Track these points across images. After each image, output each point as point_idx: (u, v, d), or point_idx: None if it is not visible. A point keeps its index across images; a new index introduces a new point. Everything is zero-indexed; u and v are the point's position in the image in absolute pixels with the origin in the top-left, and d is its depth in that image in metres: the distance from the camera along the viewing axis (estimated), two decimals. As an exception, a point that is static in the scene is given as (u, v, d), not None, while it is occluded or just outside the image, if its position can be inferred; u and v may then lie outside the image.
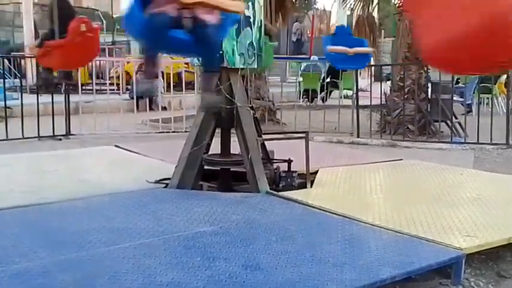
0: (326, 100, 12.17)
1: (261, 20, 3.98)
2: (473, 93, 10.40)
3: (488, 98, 10.37)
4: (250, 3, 3.86)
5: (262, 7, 4.01)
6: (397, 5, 9.64)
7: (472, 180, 4.53)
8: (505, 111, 8.15)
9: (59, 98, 7.79)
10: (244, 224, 3.10)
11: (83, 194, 3.74)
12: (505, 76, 9.03)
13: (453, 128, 7.93)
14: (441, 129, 8.16)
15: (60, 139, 7.38)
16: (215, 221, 3.13)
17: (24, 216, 3.26)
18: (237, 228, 3.01)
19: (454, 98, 8.57)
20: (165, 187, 4.00)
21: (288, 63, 16.76)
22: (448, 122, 8.04)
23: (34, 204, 3.47)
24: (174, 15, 3.29)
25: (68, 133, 7.63)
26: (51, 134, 7.34)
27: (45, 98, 7.84)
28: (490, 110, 8.01)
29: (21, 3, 14.92)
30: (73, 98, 8.10)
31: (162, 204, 3.52)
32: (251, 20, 3.88)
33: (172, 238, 2.82)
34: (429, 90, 8.45)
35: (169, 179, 4.01)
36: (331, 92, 12.84)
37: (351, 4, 10.69)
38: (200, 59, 3.93)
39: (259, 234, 2.93)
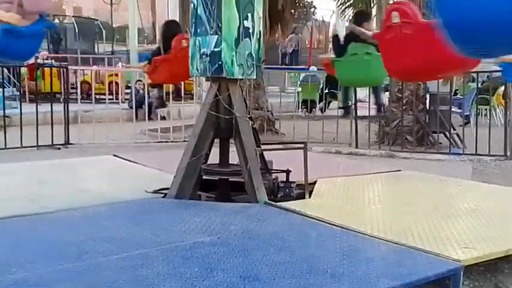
0: (325, 111, 12.20)
1: (260, 31, 4.00)
2: (472, 104, 10.44)
3: (486, 110, 10.40)
4: (249, 14, 3.88)
5: (261, 18, 4.03)
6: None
7: (470, 192, 4.54)
8: (503, 122, 8.18)
9: (58, 107, 7.80)
10: (243, 234, 3.09)
11: (81, 203, 3.74)
12: (503, 87, 9.06)
13: (451, 140, 7.96)
14: (439, 140, 8.18)
15: (59, 148, 7.40)
16: (213, 232, 3.12)
17: (21, 226, 3.25)
18: (235, 239, 3.00)
19: (453, 109, 8.61)
20: (163, 197, 3.99)
21: (287, 74, 16.82)
22: (447, 133, 8.07)
23: (32, 214, 3.46)
24: None
25: (67, 142, 7.65)
26: (50, 143, 7.35)
27: (44, 107, 7.85)
28: (488, 121, 8.04)
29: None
30: (72, 107, 8.12)
31: (160, 214, 3.52)
32: (250, 31, 3.89)
33: (170, 248, 2.81)
34: (427, 101, 8.48)
35: (167, 189, 4.01)
36: (329, 102, 12.88)
37: (349, 15, 10.75)
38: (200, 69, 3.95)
39: (257, 244, 2.92)
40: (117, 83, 11.93)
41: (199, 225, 3.21)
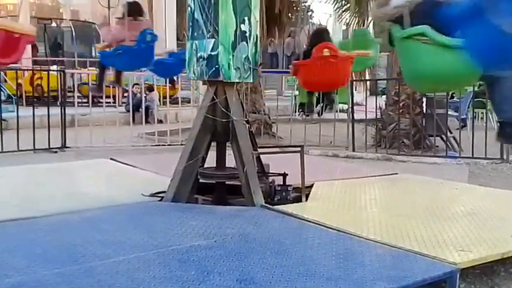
0: (322, 114, 12.21)
1: (257, 35, 4.01)
2: (468, 107, 10.46)
3: (482, 113, 10.42)
4: (246, 18, 3.89)
5: (258, 22, 4.04)
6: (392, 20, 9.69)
7: (467, 195, 4.55)
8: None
9: (55, 111, 7.79)
10: (239, 237, 3.10)
11: (78, 206, 3.74)
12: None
13: (448, 143, 7.97)
14: (436, 143, 8.19)
15: (56, 152, 7.38)
16: (210, 235, 3.12)
17: (18, 229, 3.25)
18: (231, 242, 3.01)
19: (449, 113, 8.62)
20: (160, 200, 4.00)
21: (283, 77, 16.83)
22: (443, 136, 8.08)
23: (29, 218, 3.46)
24: None
25: (64, 146, 7.63)
26: (47, 147, 7.34)
27: (41, 111, 7.84)
28: (484, 124, 8.05)
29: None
30: (69, 110, 8.11)
31: (157, 218, 3.52)
32: (247, 34, 3.91)
33: (166, 252, 2.82)
34: (424, 104, 8.50)
35: (164, 192, 4.01)
36: (327, 106, 12.89)
37: (346, 19, 10.77)
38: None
39: (254, 248, 2.93)
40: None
41: (196, 229, 3.22)
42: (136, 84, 11.49)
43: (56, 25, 19.24)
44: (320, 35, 5.89)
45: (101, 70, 6.15)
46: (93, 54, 18.82)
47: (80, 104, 8.97)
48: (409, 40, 3.22)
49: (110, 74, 6.36)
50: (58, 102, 8.27)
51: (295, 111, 12.74)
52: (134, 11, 5.52)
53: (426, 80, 3.38)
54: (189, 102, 10.77)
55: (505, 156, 7.13)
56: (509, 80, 3.04)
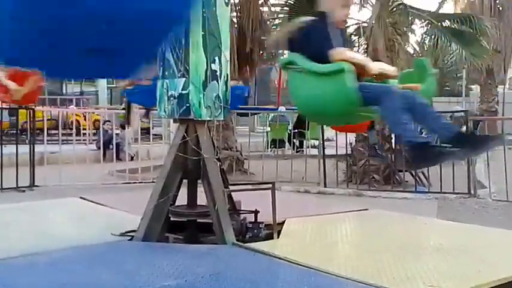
0: (296, 150, 12.33)
1: (227, 74, 4.07)
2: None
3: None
4: (216, 58, 3.95)
5: (229, 61, 4.10)
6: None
7: (436, 230, 4.62)
8: (466, 160, 8.38)
9: (24, 149, 7.69)
10: (210, 277, 3.07)
11: (45, 247, 3.66)
12: (465, 127, 9.32)
13: (417, 178, 8.11)
14: (405, 178, 8.33)
15: (24, 191, 7.26)
16: (180, 274, 3.09)
17: (-17, 272, 3.17)
18: (202, 282, 2.98)
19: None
20: (130, 239, 3.94)
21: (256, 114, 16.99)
22: (412, 171, 8.22)
23: (-6, 259, 3.37)
24: None
25: (32, 184, 7.52)
26: (15, 186, 7.21)
27: (9, 149, 7.73)
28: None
29: None
30: (38, 148, 8.01)
31: (127, 257, 3.47)
32: (217, 73, 3.96)
33: (136, 293, 2.77)
34: (393, 140, 8.67)
35: (134, 231, 3.96)
36: (301, 142, 13.03)
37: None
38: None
39: (225, 287, 2.91)
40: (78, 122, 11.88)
41: (166, 268, 3.18)
42: (108, 121, 11.45)
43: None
44: None
45: (128, 106, 6.35)
46: (64, 91, 18.71)
47: (49, 142, 8.87)
48: (285, 68, 3.30)
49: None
50: (27, 140, 8.17)
51: (267, 148, 12.83)
52: None
53: (306, 107, 3.47)
54: (161, 138, 10.77)
55: (472, 191, 7.28)
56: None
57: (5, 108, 9.59)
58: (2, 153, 7.32)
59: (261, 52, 11.14)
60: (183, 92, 3.88)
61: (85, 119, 12.65)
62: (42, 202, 5.98)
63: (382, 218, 5.08)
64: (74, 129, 10.22)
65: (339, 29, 3.65)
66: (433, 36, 9.76)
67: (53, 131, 11.18)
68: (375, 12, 8.84)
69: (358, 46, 10.43)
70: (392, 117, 3.34)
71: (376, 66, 3.51)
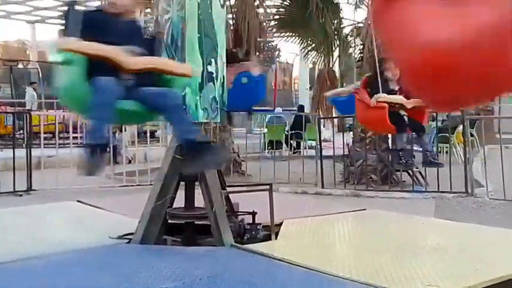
0: (293, 151, 12.34)
1: (223, 76, 4.08)
2: (433, 143, 10.70)
3: (447, 147, 10.67)
4: (213, 60, 3.96)
5: (225, 63, 4.11)
6: (357, 59, 9.99)
7: (433, 230, 4.63)
8: (463, 159, 8.40)
9: (21, 153, 7.68)
10: (208, 279, 3.07)
11: (43, 251, 3.65)
12: (461, 126, 9.35)
13: (414, 177, 8.12)
14: (403, 178, 8.33)
15: (21, 195, 7.24)
16: (178, 277, 3.09)
17: (-20, 277, 3.16)
18: (200, 284, 2.98)
19: (414, 148, 8.80)
20: (128, 242, 3.94)
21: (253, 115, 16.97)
22: (410, 171, 8.23)
23: (-9, 264, 3.36)
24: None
25: (30, 188, 7.49)
26: (12, 190, 7.19)
27: (5, 153, 7.72)
28: (449, 158, 8.25)
29: None
30: (35, 152, 8.00)
31: (125, 260, 3.46)
32: (214, 75, 3.97)
33: (134, 295, 2.77)
34: (389, 140, 8.67)
35: (132, 234, 3.96)
36: (299, 143, 13.04)
37: (312, 58, 11.03)
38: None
39: (223, 289, 2.91)
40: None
41: (164, 271, 3.18)
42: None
43: (22, 66, 19.11)
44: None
45: None
46: (60, 94, 18.64)
47: (46, 146, 8.85)
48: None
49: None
50: (24, 144, 8.15)
51: (265, 149, 12.83)
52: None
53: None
54: (158, 141, 10.75)
55: (469, 190, 7.29)
56: None
57: (10, 113, 9.58)
58: (-2, 158, 7.33)
59: (257, 54, 11.16)
60: (180, 94, 3.87)
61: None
62: (40, 206, 5.96)
63: (380, 218, 5.09)
64: (71, 133, 10.20)
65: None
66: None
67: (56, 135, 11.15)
68: (370, 12, 8.85)
69: (354, 47, 10.47)
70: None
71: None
